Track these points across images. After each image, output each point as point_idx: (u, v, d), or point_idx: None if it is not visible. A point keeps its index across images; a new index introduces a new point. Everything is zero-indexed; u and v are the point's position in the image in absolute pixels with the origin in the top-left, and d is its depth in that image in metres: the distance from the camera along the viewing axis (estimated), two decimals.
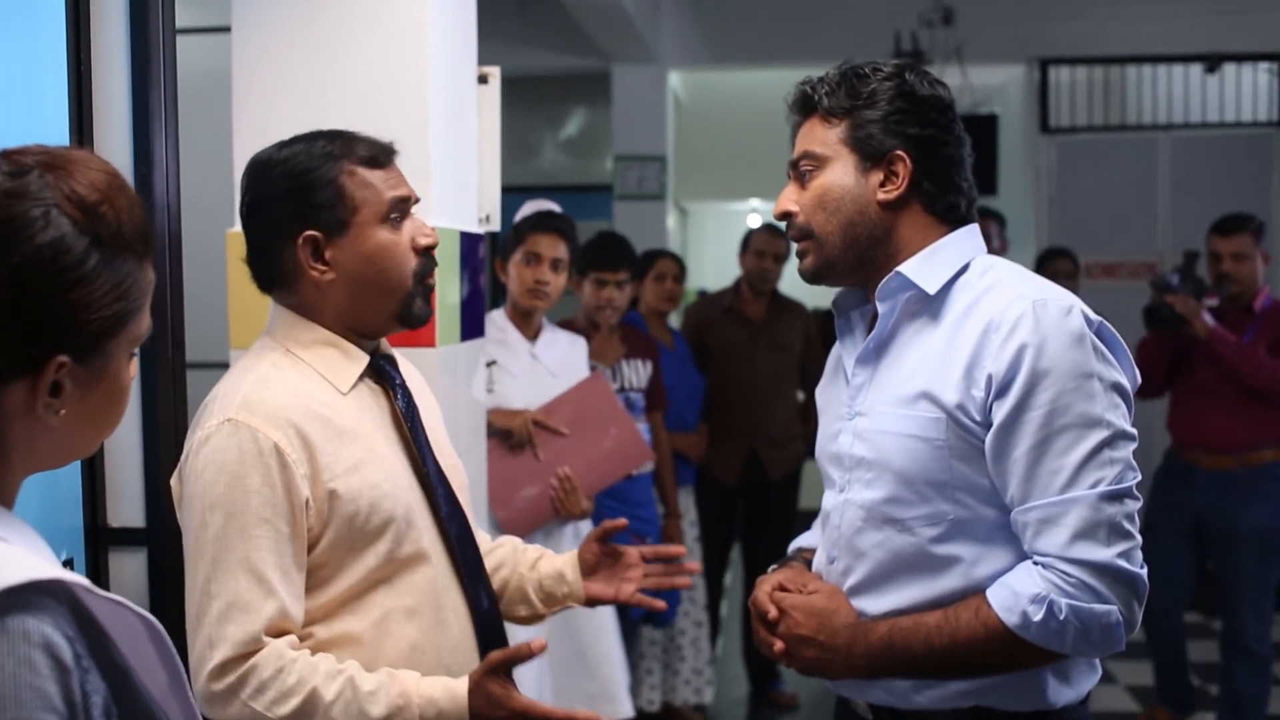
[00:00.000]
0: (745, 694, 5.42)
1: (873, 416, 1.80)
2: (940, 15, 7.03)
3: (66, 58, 2.01)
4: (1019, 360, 1.66)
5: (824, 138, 1.84)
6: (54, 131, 1.98)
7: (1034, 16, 7.38)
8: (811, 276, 1.88)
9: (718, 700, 5.28)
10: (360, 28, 2.65)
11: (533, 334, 3.70)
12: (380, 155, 1.90)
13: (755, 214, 10.38)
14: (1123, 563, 1.65)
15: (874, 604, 1.80)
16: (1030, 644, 1.67)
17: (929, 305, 1.79)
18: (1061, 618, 1.64)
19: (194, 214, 2.57)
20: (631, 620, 4.18)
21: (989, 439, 1.69)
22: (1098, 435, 1.65)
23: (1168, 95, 7.66)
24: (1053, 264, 5.35)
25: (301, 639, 1.82)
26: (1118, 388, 1.69)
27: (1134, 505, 1.68)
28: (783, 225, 4.96)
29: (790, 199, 1.87)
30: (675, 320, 6.00)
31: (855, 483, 1.82)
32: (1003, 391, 1.67)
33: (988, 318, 1.71)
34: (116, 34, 2.12)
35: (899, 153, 1.80)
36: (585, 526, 3.66)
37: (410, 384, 2.02)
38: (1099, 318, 1.73)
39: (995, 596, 1.69)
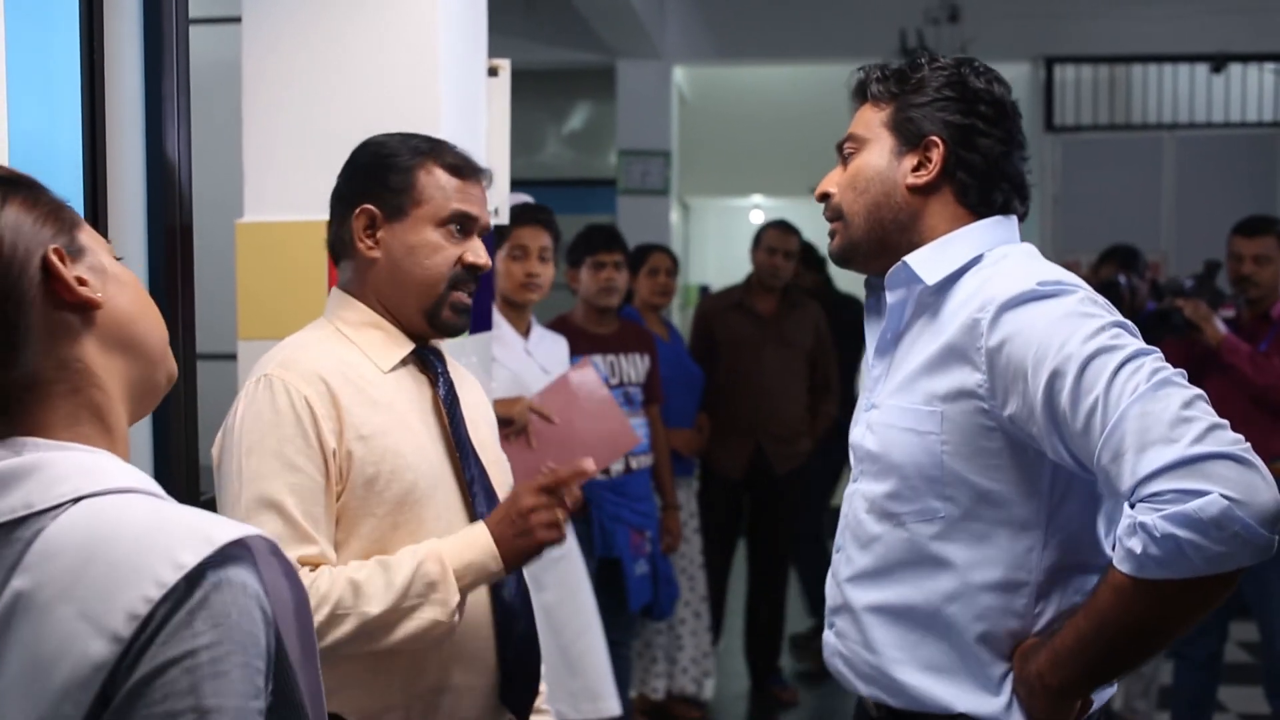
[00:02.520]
0: (746, 689, 5.42)
1: (883, 410, 1.79)
2: (946, 13, 7.03)
3: (80, 47, 2.00)
4: (1017, 336, 1.61)
5: (869, 121, 1.84)
6: (67, 122, 1.97)
7: (1040, 15, 7.38)
8: (838, 258, 1.87)
9: (719, 695, 5.28)
10: (371, 19, 2.64)
11: (525, 329, 3.71)
12: (465, 168, 1.98)
13: (758, 210, 10.37)
14: (1199, 448, 1.46)
15: (865, 595, 1.79)
16: (1165, 583, 1.49)
17: (940, 297, 1.76)
18: (1159, 535, 1.46)
19: (203, 205, 2.56)
20: (630, 613, 4.18)
21: (1034, 432, 1.62)
22: (1112, 359, 1.55)
23: (1173, 95, 7.66)
24: (1100, 268, 5.09)
25: None
26: (1118, 324, 1.61)
27: (1187, 392, 1.52)
28: (794, 223, 4.91)
29: (831, 180, 1.88)
30: (677, 316, 6.02)
31: (864, 474, 1.82)
32: (1012, 370, 1.62)
33: (980, 300, 1.67)
34: (130, 23, 2.12)
35: (934, 138, 1.78)
36: (569, 524, 3.65)
37: (462, 384, 2.07)
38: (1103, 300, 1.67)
39: (1114, 556, 1.55)
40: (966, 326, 1.67)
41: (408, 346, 1.97)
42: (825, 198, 1.88)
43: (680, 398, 4.86)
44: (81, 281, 1.12)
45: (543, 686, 2.11)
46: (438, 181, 1.94)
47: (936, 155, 1.78)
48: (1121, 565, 1.52)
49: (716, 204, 10.49)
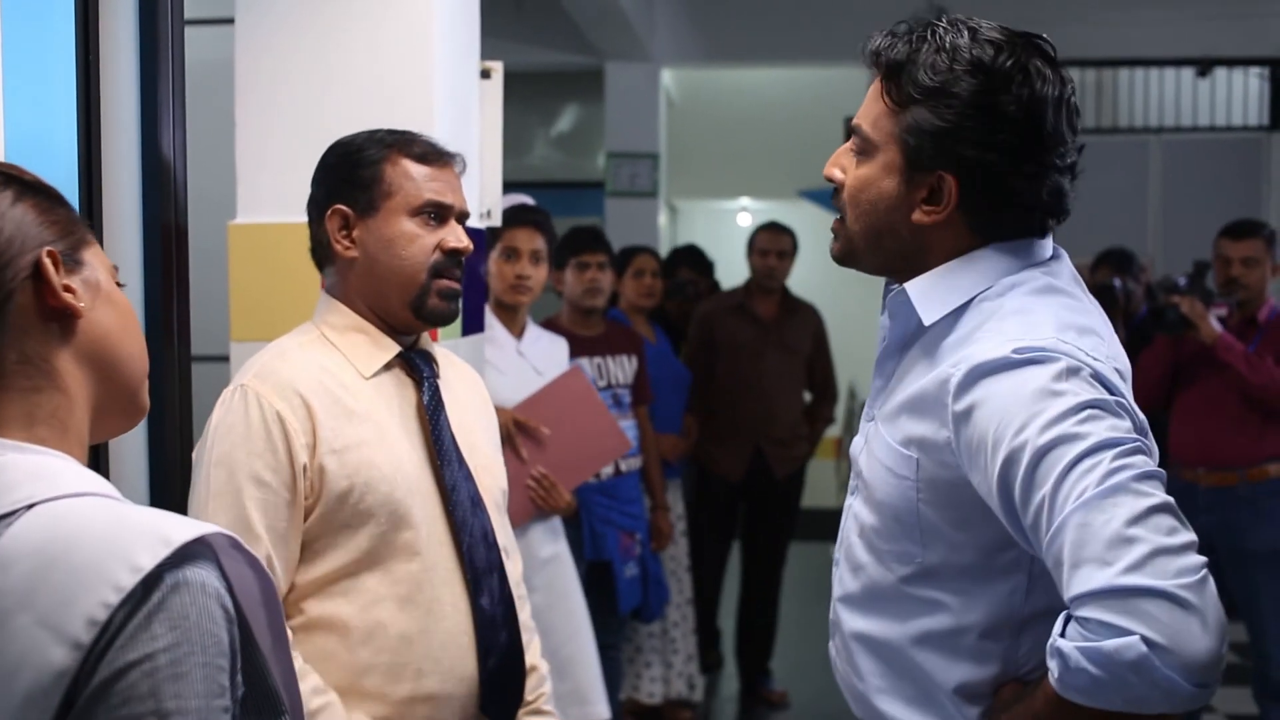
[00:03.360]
0: (736, 691, 5.42)
1: (876, 429, 1.65)
2: (934, 15, 7.04)
3: (75, 48, 2.00)
4: (979, 409, 1.46)
5: (878, 119, 1.60)
6: (62, 122, 1.97)
7: (1026, 19, 7.30)
8: (838, 260, 1.69)
9: (710, 697, 5.29)
10: (364, 20, 2.64)
11: (518, 331, 3.69)
12: (432, 155, 1.97)
13: (745, 213, 10.39)
14: (1132, 579, 1.30)
15: (852, 620, 1.69)
16: (1092, 710, 1.36)
17: (944, 324, 1.59)
18: (1074, 666, 1.33)
19: (196, 206, 2.55)
20: (620, 615, 4.18)
21: (993, 509, 1.48)
22: (1068, 453, 1.38)
23: (1159, 99, 7.69)
24: (1095, 272, 5.03)
25: (290, 615, 1.85)
26: (1092, 404, 1.41)
27: (1141, 501, 1.34)
28: (784, 222, 4.82)
29: (839, 164, 1.66)
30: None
31: (859, 493, 1.70)
32: (974, 445, 1.47)
33: (958, 354, 1.52)
34: (125, 24, 2.11)
35: (946, 175, 1.54)
36: (557, 522, 3.64)
37: (459, 386, 2.06)
38: (1093, 364, 1.46)
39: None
40: (941, 380, 1.52)
41: (392, 350, 1.96)
42: (831, 181, 1.67)
43: (667, 399, 4.87)
44: (68, 289, 1.13)
45: (546, 688, 2.10)
46: (406, 171, 1.93)
47: (949, 193, 1.55)
48: (1050, 677, 1.39)
49: (705, 206, 10.52)
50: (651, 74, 7.73)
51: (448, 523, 1.93)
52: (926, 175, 1.56)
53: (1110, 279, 4.75)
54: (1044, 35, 1.63)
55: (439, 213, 1.95)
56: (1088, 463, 1.36)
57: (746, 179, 9.68)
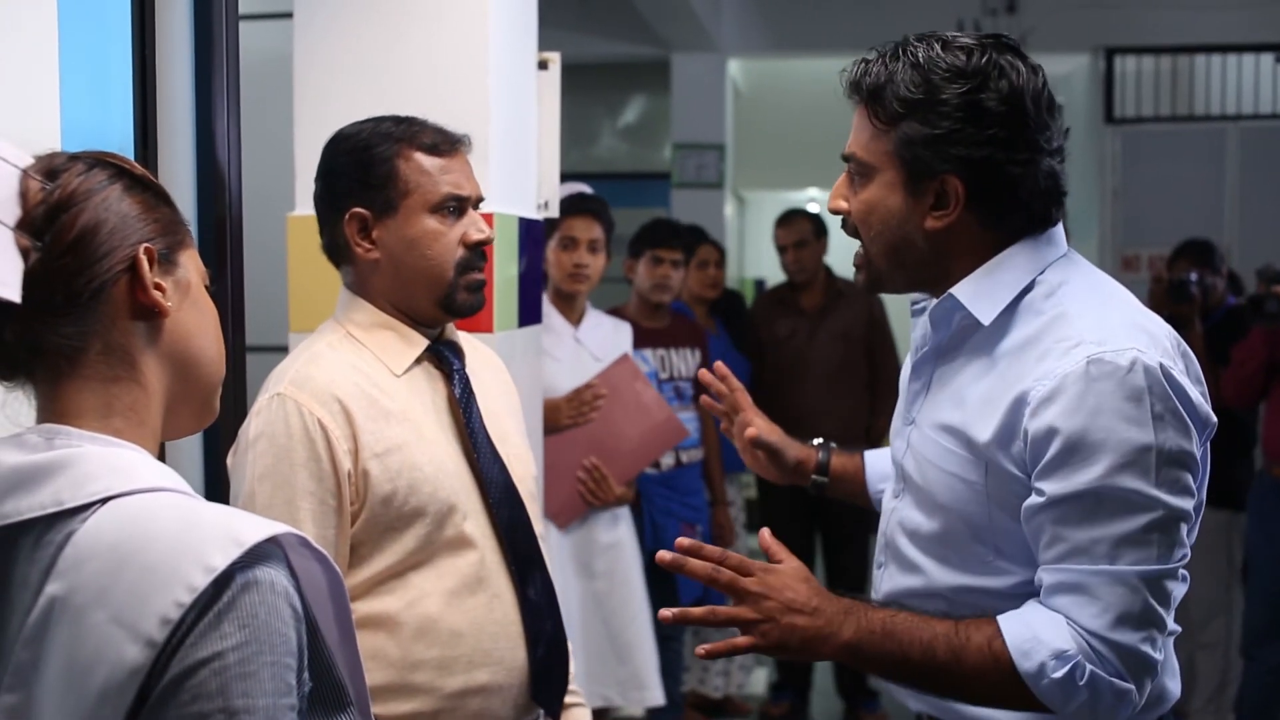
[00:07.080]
0: (840, 710, 5.11)
1: (921, 434, 1.69)
2: (1004, 3, 6.96)
3: (131, 43, 2.02)
4: (1065, 428, 1.50)
5: (870, 144, 1.63)
6: (117, 117, 1.99)
7: (1100, 4, 7.28)
8: (867, 289, 1.75)
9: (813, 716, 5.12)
10: (421, 12, 2.65)
11: (576, 318, 3.70)
12: (443, 144, 1.93)
13: (814, 204, 10.31)
14: (1148, 650, 1.52)
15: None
16: (1030, 693, 1.53)
17: (997, 324, 1.63)
18: (1081, 683, 1.51)
19: (255, 198, 2.59)
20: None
21: (1028, 501, 1.55)
22: (1146, 515, 1.49)
23: (1237, 85, 7.53)
24: (1173, 265, 4.85)
25: None
26: (1178, 458, 1.51)
27: (1174, 588, 1.54)
28: (802, 209, 4.72)
29: (841, 195, 1.70)
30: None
31: (906, 495, 1.73)
32: (1047, 457, 1.52)
33: (1040, 367, 1.54)
34: (180, 20, 2.14)
35: (950, 177, 1.59)
36: (624, 513, 3.64)
37: (484, 372, 2.04)
38: (1167, 361, 1.53)
39: (1012, 634, 1.54)
40: (1021, 395, 1.54)
41: (420, 345, 1.94)
42: (838, 213, 1.70)
43: None
44: (159, 287, 1.15)
45: (573, 666, 2.10)
46: (420, 166, 1.89)
47: (954, 195, 1.60)
48: (1023, 661, 1.53)
49: (772, 197, 10.45)
50: (718, 65, 7.70)
51: (489, 516, 1.93)
52: (929, 183, 1.61)
53: (1187, 273, 4.60)
54: (1007, 35, 1.68)
55: (458, 205, 1.92)
56: (1156, 535, 1.50)
57: (814, 169, 9.58)
